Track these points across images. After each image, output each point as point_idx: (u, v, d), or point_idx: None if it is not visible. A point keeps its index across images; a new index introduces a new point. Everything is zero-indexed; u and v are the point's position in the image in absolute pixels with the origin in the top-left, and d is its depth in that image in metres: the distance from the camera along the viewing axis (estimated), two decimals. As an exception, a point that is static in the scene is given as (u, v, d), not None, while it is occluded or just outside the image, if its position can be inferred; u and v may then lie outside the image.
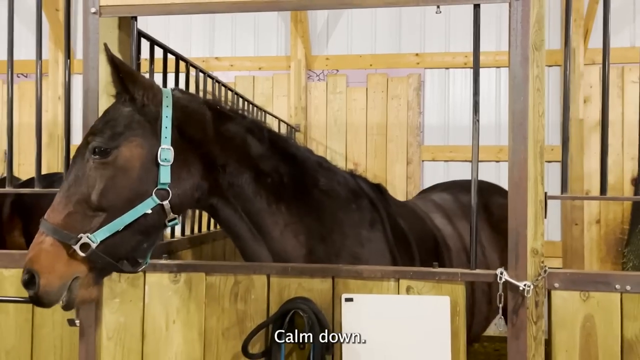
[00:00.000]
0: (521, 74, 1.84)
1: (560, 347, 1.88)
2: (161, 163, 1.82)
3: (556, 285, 1.88)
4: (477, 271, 1.90)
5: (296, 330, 1.92)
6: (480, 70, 6.56)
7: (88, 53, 2.08)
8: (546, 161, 5.88)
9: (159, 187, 1.82)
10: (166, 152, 1.83)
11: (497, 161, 6.10)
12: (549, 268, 1.87)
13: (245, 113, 2.19)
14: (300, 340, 1.90)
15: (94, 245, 1.70)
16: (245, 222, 2.07)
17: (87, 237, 1.70)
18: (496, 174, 6.10)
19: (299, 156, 2.20)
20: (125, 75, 1.84)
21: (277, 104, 6.30)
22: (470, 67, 6.16)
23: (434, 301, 1.87)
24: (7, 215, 4.08)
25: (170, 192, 1.83)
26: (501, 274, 1.83)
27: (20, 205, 4.16)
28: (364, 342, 1.89)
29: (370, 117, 6.21)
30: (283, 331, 1.89)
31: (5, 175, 4.74)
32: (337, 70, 6.34)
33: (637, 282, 1.84)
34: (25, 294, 2.14)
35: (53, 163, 6.66)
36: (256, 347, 1.94)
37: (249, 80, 6.38)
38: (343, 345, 1.91)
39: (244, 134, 2.06)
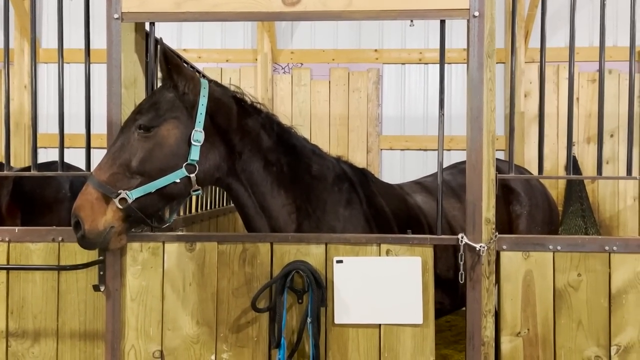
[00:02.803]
0: (477, 77, 2.30)
1: (507, 296, 2.36)
2: (193, 143, 2.20)
3: (504, 247, 2.35)
4: (442, 236, 2.35)
5: (295, 288, 2.33)
6: (431, 65, 7.08)
7: (111, 53, 2.37)
8: (496, 149, 6.45)
9: (188, 162, 2.22)
10: (198, 134, 2.21)
11: (448, 150, 6.65)
12: (498, 234, 2.34)
13: (262, 108, 2.54)
14: (299, 296, 2.32)
15: (130, 201, 2.11)
16: (252, 201, 2.46)
17: (126, 193, 2.10)
18: (447, 161, 6.64)
19: (298, 146, 2.60)
20: (172, 67, 2.20)
21: (245, 95, 6.63)
22: (424, 63, 6.71)
23: (408, 261, 2.31)
24: (6, 205, 4.23)
25: (197, 167, 2.22)
26: (462, 237, 2.28)
27: (19, 194, 4.32)
28: (352, 296, 2.31)
29: (333, 108, 6.63)
30: (285, 288, 2.29)
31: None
32: (302, 64, 6.72)
33: (566, 243, 2.34)
34: (50, 264, 2.47)
35: (19, 151, 6.74)
36: (262, 303, 2.32)
37: (216, 72, 6.65)
38: (335, 298, 2.32)
39: (258, 129, 2.45)
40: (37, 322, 2.51)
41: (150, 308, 2.39)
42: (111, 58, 2.38)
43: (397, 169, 6.69)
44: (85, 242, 2.14)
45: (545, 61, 2.63)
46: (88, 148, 2.57)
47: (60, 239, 2.48)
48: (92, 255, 2.46)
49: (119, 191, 2.10)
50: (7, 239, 2.49)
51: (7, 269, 2.48)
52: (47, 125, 6.72)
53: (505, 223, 3.24)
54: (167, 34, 6.73)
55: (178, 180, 2.20)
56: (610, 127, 6.40)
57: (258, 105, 2.54)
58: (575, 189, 6.37)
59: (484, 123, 2.30)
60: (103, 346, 2.43)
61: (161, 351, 2.38)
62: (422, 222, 2.93)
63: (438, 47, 7.07)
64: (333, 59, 6.73)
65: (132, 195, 2.12)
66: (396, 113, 6.74)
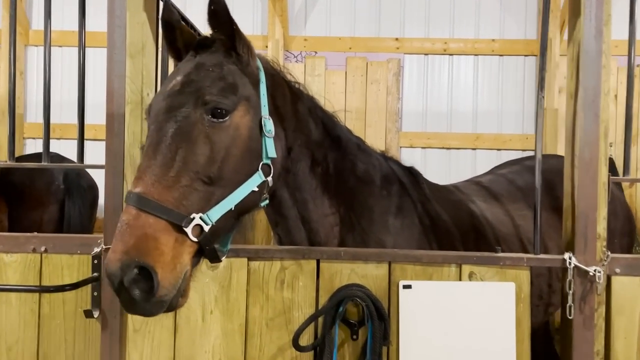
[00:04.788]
0: (594, 48, 1.77)
1: (619, 334, 1.82)
2: (266, 134, 1.64)
3: (617, 270, 1.82)
4: (543, 256, 1.82)
5: (349, 320, 1.79)
6: (458, 57, 6.49)
7: (114, 9, 1.82)
8: (521, 149, 5.89)
9: (264, 161, 1.64)
10: (269, 122, 1.66)
11: (474, 149, 6.12)
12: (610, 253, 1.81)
13: (302, 88, 2.00)
14: (354, 330, 1.78)
15: (207, 227, 1.45)
16: (295, 210, 1.91)
17: (200, 217, 1.44)
18: (472, 161, 6.14)
19: (343, 139, 2.06)
20: (236, 29, 1.63)
21: (253, 84, 6.08)
22: (449, 54, 6.16)
23: (499, 287, 1.78)
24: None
25: (272, 168, 1.66)
26: (570, 258, 1.75)
27: (7, 186, 3.80)
28: (423, 331, 1.78)
29: (349, 101, 6.08)
30: (337, 320, 1.76)
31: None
32: (316, 52, 6.17)
33: (698, 266, 1.81)
34: (29, 281, 1.92)
35: (3, 141, 6.16)
36: (305, 339, 1.78)
37: (223, 59, 6.09)
38: (400, 334, 1.78)
39: (307, 116, 1.91)
40: (12, 354, 1.95)
41: (158, 342, 1.84)
42: (113, 16, 1.83)
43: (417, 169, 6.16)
44: (154, 306, 1.37)
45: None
46: (81, 138, 2.02)
47: (42, 249, 1.93)
48: (83, 269, 1.92)
49: (192, 215, 1.44)
50: (-27, 248, 1.94)
51: (-27, 288, 1.93)
52: (37, 114, 6.15)
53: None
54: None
55: (256, 189, 1.60)
56: (649, 127, 5.91)
57: (297, 85, 1.99)
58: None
59: (600, 109, 1.76)
60: (96, 389, 1.89)
61: (172, 398, 1.83)
62: (489, 236, 2.38)
63: (464, 37, 6.47)
64: (350, 48, 6.17)
65: (211, 217, 1.47)
66: (418, 108, 6.20)
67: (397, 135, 6.12)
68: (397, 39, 6.18)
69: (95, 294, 1.89)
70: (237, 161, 1.55)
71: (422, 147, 6.19)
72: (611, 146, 5.96)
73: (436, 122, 6.19)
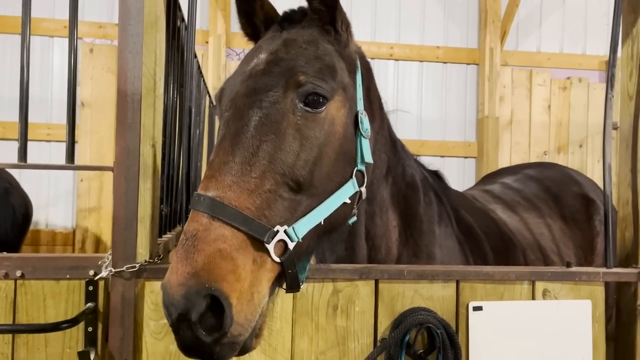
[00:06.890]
0: (669, 49, 1.65)
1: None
2: (362, 134, 1.35)
3: (679, 282, 1.73)
4: (619, 270, 1.68)
5: (414, 349, 1.54)
6: (404, 62, 6.41)
7: (129, -32, 1.44)
8: (463, 157, 5.89)
9: (358, 167, 1.35)
10: (365, 120, 1.37)
11: (418, 155, 6.06)
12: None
13: None
14: (421, 362, 1.53)
15: (291, 245, 1.15)
16: (362, 223, 1.64)
17: (285, 230, 1.14)
18: (417, 167, 6.11)
19: (397, 140, 1.82)
20: None
21: (193, 82, 5.62)
22: (395, 59, 6.09)
23: (575, 306, 1.61)
24: None
25: (365, 177, 1.37)
26: (647, 272, 1.63)
27: None
28: (495, 358, 1.57)
29: (296, 103, 5.81)
30: (402, 352, 1.50)
31: None
32: (261, 50, 5.84)
33: None
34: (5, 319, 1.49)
35: None
36: (364, 374, 1.50)
37: (158, 53, 5.57)
38: (472, 363, 1.56)
39: (385, 115, 1.65)
40: (-29, 415, 1.49)
41: (182, 388, 1.47)
42: (127, -24, 1.45)
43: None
44: (224, 348, 1.06)
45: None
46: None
47: (18, 274, 1.49)
48: (73, 299, 1.51)
49: (275, 227, 1.14)
50: None
51: None
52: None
53: (588, 242, 2.64)
54: (103, 7, 5.54)
55: (348, 201, 1.32)
56: (579, 137, 6.20)
57: None
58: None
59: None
60: None
61: None
62: (517, 246, 2.23)
63: (410, 42, 6.44)
64: (295, 48, 5.91)
65: (298, 232, 1.17)
66: (364, 112, 6.06)
67: (343, 140, 5.94)
68: (343, 41, 6.01)
69: (90, 329, 1.48)
70: (330, 165, 1.26)
71: (368, 153, 6.06)
72: (545, 155, 6.20)
73: (382, 128, 6.09)
